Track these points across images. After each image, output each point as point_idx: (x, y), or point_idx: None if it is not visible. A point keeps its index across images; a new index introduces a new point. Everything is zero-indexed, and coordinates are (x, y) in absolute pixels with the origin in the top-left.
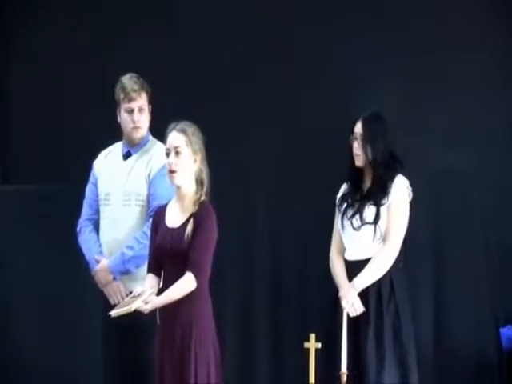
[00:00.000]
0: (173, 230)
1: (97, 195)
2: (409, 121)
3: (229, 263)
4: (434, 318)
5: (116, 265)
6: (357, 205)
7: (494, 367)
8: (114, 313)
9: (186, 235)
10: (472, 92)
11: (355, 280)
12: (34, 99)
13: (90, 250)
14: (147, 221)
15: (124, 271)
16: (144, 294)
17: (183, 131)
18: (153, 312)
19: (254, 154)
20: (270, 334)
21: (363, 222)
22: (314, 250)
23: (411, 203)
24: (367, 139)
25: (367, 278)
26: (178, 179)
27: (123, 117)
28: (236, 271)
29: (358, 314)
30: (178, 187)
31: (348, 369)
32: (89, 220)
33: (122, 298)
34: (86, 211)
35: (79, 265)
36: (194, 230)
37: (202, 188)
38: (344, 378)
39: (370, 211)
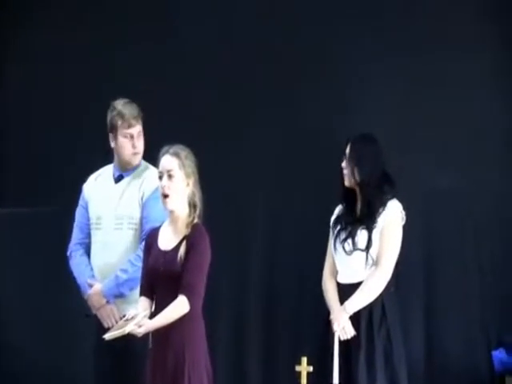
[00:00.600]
0: (166, 252)
1: (88, 219)
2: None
3: (221, 286)
4: (425, 338)
5: (110, 288)
6: (349, 228)
7: None
8: (107, 336)
9: (178, 258)
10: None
11: (346, 303)
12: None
13: (82, 273)
14: (140, 243)
15: (118, 294)
16: (137, 317)
17: (176, 155)
18: (145, 335)
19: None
20: (261, 357)
21: (355, 248)
22: (307, 274)
23: (404, 224)
24: (354, 161)
25: (358, 301)
26: (171, 203)
27: (121, 142)
28: (228, 294)
29: (349, 337)
30: (171, 211)
31: None
32: (80, 244)
33: (116, 322)
34: (76, 235)
35: (71, 288)
36: (187, 252)
37: (195, 211)
38: None
39: (362, 236)
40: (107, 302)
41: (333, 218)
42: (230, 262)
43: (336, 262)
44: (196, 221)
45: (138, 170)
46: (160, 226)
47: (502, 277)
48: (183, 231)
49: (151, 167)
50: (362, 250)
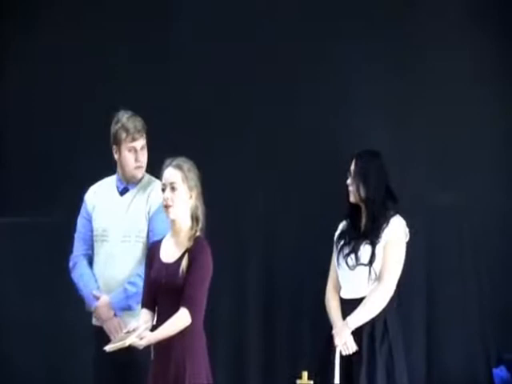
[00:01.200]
0: (168, 265)
1: (91, 230)
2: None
3: (220, 298)
4: (426, 355)
5: (119, 301)
6: (353, 243)
7: None
8: (108, 348)
9: (180, 270)
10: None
11: (348, 318)
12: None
13: (87, 285)
14: None
15: (126, 307)
16: (138, 330)
17: (179, 167)
18: (147, 348)
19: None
20: (262, 372)
21: (358, 263)
22: (308, 286)
23: (408, 241)
24: (360, 178)
25: (361, 316)
26: (173, 213)
27: (125, 156)
28: (227, 305)
29: (351, 352)
30: (173, 221)
31: None
32: (83, 255)
33: None
34: (80, 246)
35: (71, 299)
36: (189, 265)
37: (198, 224)
38: None
39: (365, 251)
40: (114, 314)
41: (337, 233)
42: (230, 270)
43: (339, 277)
44: (198, 234)
45: (143, 183)
46: (162, 239)
47: (501, 295)
48: (185, 244)
49: (156, 180)
50: (365, 265)
